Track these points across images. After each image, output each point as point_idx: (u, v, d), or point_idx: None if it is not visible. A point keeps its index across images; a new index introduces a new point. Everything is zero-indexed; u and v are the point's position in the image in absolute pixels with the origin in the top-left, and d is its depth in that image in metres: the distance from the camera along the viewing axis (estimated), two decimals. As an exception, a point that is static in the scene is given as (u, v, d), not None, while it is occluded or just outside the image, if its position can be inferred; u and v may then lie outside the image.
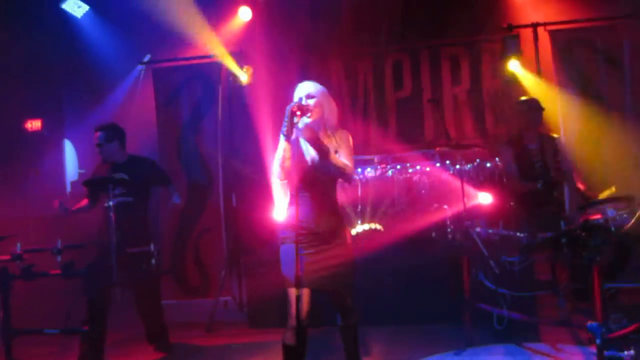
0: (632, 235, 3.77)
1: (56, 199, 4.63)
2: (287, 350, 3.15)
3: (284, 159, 3.14)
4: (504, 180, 5.24)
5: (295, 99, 3.23)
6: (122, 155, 4.71)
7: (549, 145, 4.88)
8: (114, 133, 4.66)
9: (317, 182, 3.23)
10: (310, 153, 3.23)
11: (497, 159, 5.94)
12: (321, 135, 3.22)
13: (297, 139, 3.24)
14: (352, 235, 3.46)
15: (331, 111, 3.30)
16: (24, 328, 4.23)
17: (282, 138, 3.12)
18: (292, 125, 3.02)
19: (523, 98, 5.13)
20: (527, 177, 4.75)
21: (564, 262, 4.43)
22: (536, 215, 4.52)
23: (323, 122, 3.27)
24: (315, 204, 3.21)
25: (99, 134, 4.62)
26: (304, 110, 3.11)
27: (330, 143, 3.23)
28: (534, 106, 4.90)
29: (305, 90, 3.26)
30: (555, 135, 5.12)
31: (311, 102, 3.22)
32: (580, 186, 4.72)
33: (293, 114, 3.03)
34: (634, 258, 4.23)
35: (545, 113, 5.02)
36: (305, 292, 3.12)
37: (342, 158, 3.23)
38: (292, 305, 3.10)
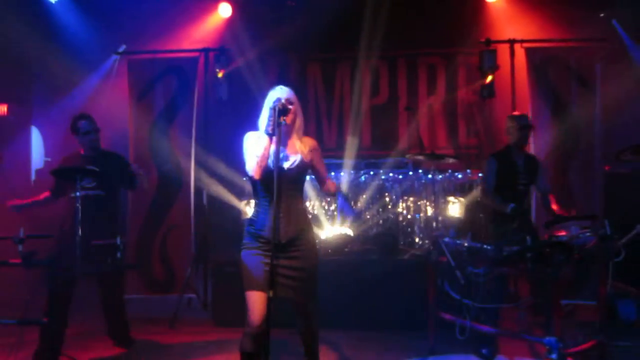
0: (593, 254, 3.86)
1: (12, 201, 4.55)
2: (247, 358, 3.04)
3: (263, 158, 3.06)
4: (480, 191, 5.20)
5: (273, 99, 3.15)
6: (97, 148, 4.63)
7: (533, 165, 4.86)
8: (96, 123, 4.58)
9: (285, 191, 3.13)
10: (286, 161, 3.19)
11: (467, 170, 6.04)
12: (294, 139, 3.24)
13: (274, 141, 3.14)
14: (315, 243, 3.35)
15: (301, 118, 3.30)
16: (-19, 318, 4.10)
17: (265, 136, 3.08)
18: (277, 124, 2.98)
19: (514, 114, 5.07)
20: (506, 195, 4.69)
21: (527, 277, 4.52)
22: (503, 230, 4.57)
23: (295, 127, 3.26)
24: (282, 213, 3.11)
25: (84, 122, 4.51)
26: (286, 111, 3.08)
27: (301, 148, 3.24)
28: (524, 123, 4.85)
29: (284, 93, 3.21)
30: (537, 157, 5.09)
31: (290, 106, 3.19)
32: (554, 207, 4.77)
33: (280, 112, 3.00)
34: (592, 276, 4.33)
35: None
36: (264, 296, 2.99)
37: (322, 172, 3.38)
38: (253, 309, 3.04)
